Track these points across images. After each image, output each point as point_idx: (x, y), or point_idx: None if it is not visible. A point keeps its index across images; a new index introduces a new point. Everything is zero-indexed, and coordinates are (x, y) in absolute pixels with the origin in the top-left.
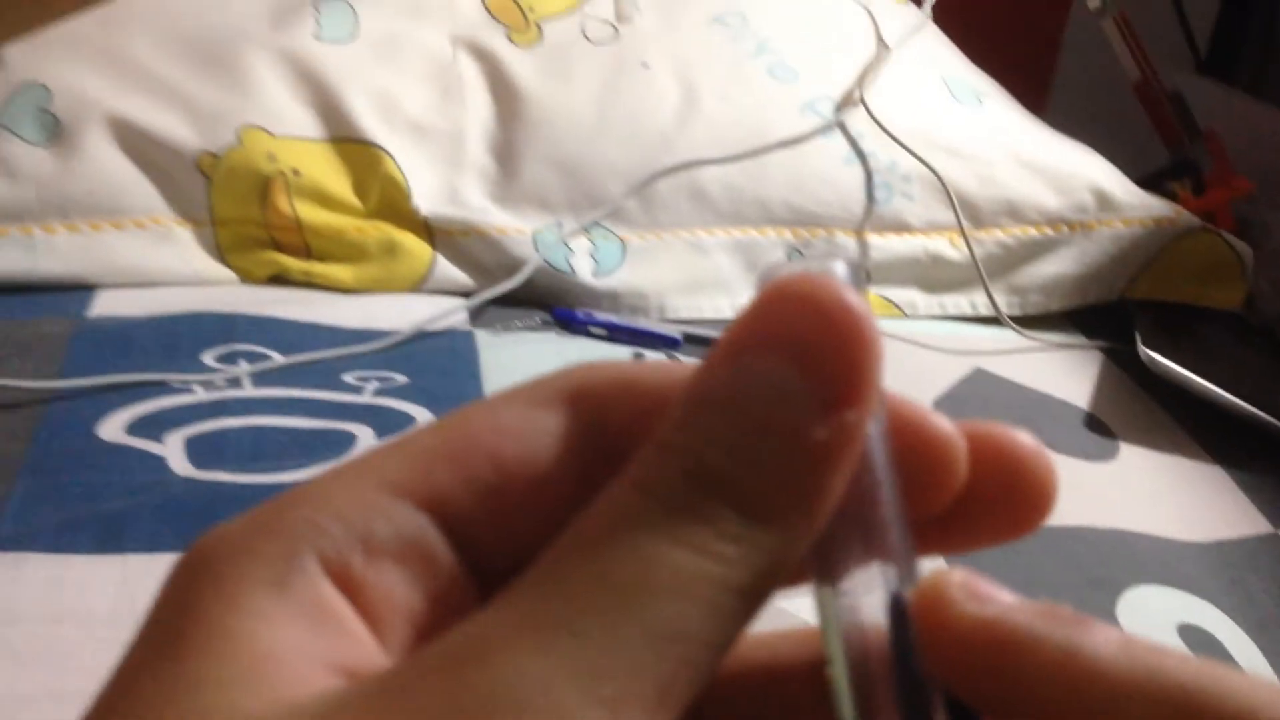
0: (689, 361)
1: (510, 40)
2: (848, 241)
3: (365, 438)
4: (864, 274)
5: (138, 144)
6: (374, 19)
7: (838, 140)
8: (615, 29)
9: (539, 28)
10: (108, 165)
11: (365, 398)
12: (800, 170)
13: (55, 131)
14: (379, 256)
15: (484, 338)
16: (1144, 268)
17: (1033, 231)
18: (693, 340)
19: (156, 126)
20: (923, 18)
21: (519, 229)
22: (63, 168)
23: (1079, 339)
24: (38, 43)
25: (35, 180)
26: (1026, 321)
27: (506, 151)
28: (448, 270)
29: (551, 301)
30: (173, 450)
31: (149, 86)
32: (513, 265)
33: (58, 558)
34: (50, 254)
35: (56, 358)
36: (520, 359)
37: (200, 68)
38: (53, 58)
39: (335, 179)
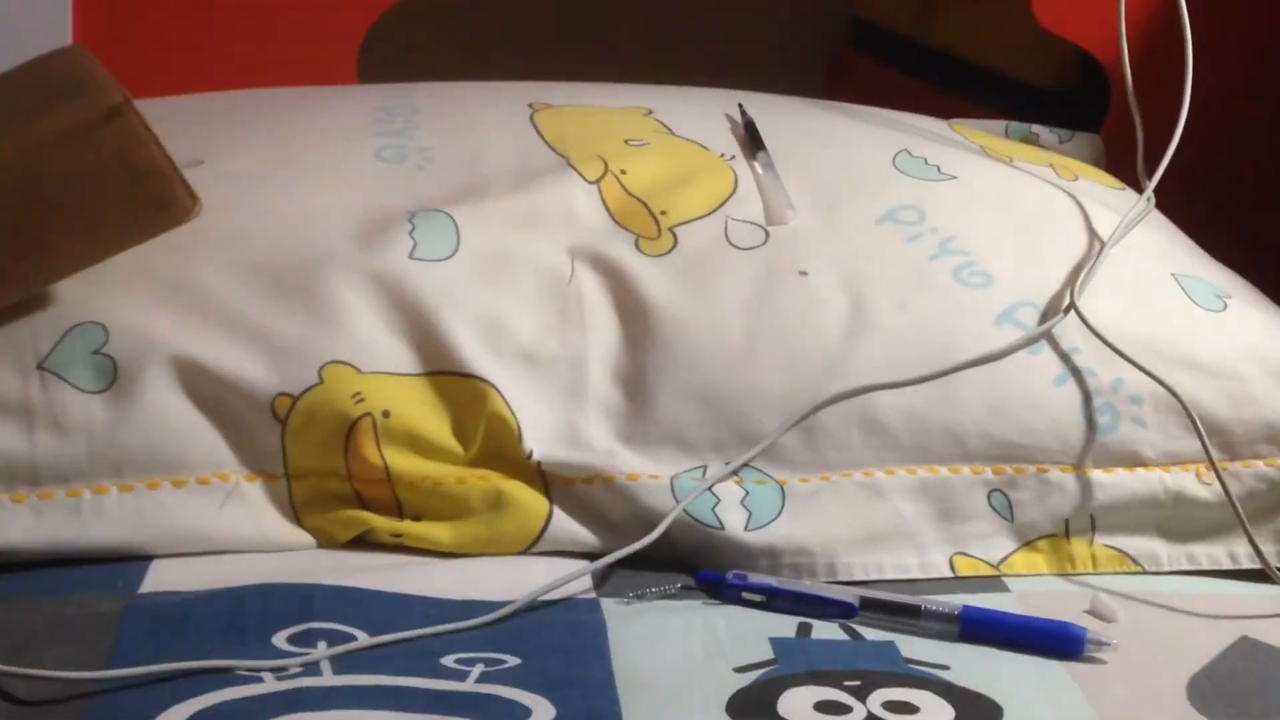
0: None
1: (639, 250)
2: (1064, 479)
3: None
4: None
5: (205, 387)
6: (478, 232)
7: (1046, 356)
8: (765, 232)
9: (673, 234)
10: (170, 414)
11: (469, 685)
12: (1000, 393)
13: (111, 376)
14: (484, 512)
15: (612, 609)
16: None
17: None
18: (871, 606)
19: (226, 366)
20: (1145, 205)
21: (653, 474)
22: (118, 418)
23: None
24: (93, 276)
25: (86, 433)
26: None
27: (637, 382)
28: (567, 526)
29: (695, 562)
30: None
31: (219, 321)
32: (647, 518)
33: None
34: (100, 519)
35: (104, 643)
36: (657, 635)
37: (278, 297)
38: (110, 292)
39: (432, 420)
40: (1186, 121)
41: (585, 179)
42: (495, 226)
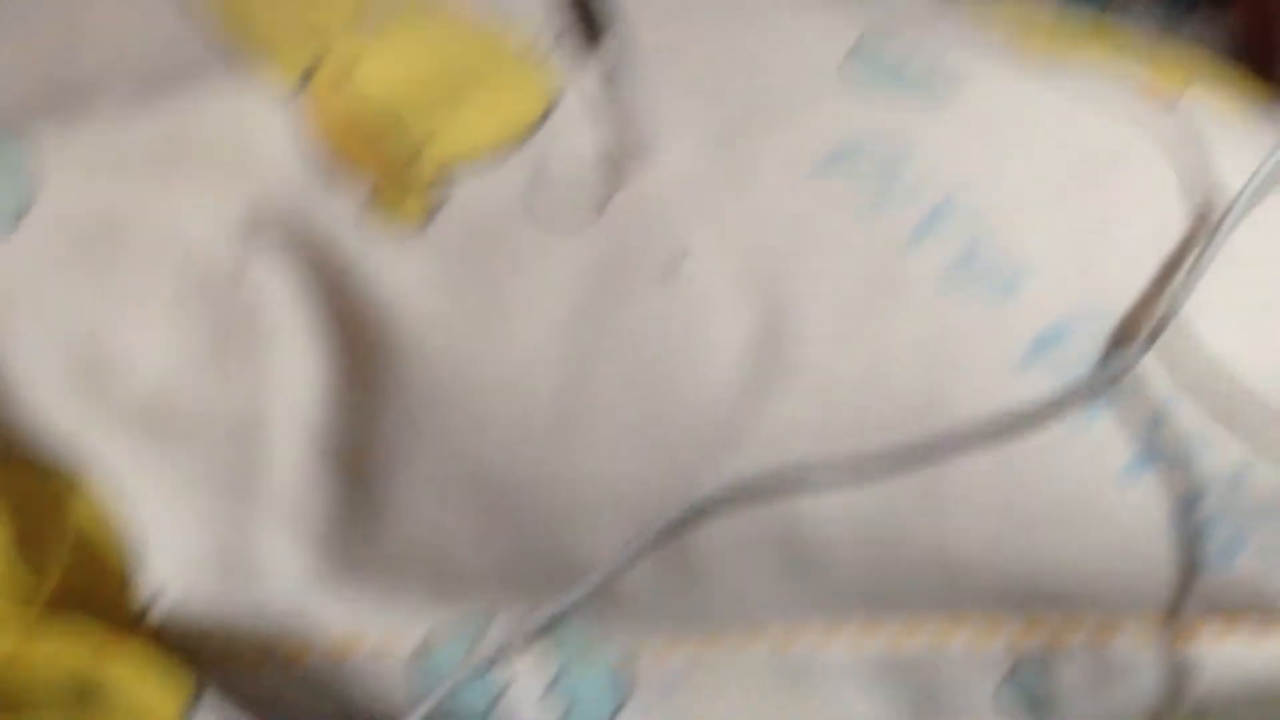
0: None
1: (370, 216)
2: (1139, 653)
3: None
4: None
5: None
6: (65, 180)
7: (1112, 424)
8: (608, 188)
9: (435, 189)
10: None
11: None
12: (1028, 491)
13: None
14: (63, 709)
15: None
16: None
17: None
18: None
19: None
20: None
21: (383, 643)
22: None
23: None
24: None
25: None
26: None
27: (362, 462)
28: None
29: None
30: None
31: None
32: None
33: None
34: None
35: None
36: None
37: None
38: None
39: None
40: None
41: (276, 80)
42: (96, 172)
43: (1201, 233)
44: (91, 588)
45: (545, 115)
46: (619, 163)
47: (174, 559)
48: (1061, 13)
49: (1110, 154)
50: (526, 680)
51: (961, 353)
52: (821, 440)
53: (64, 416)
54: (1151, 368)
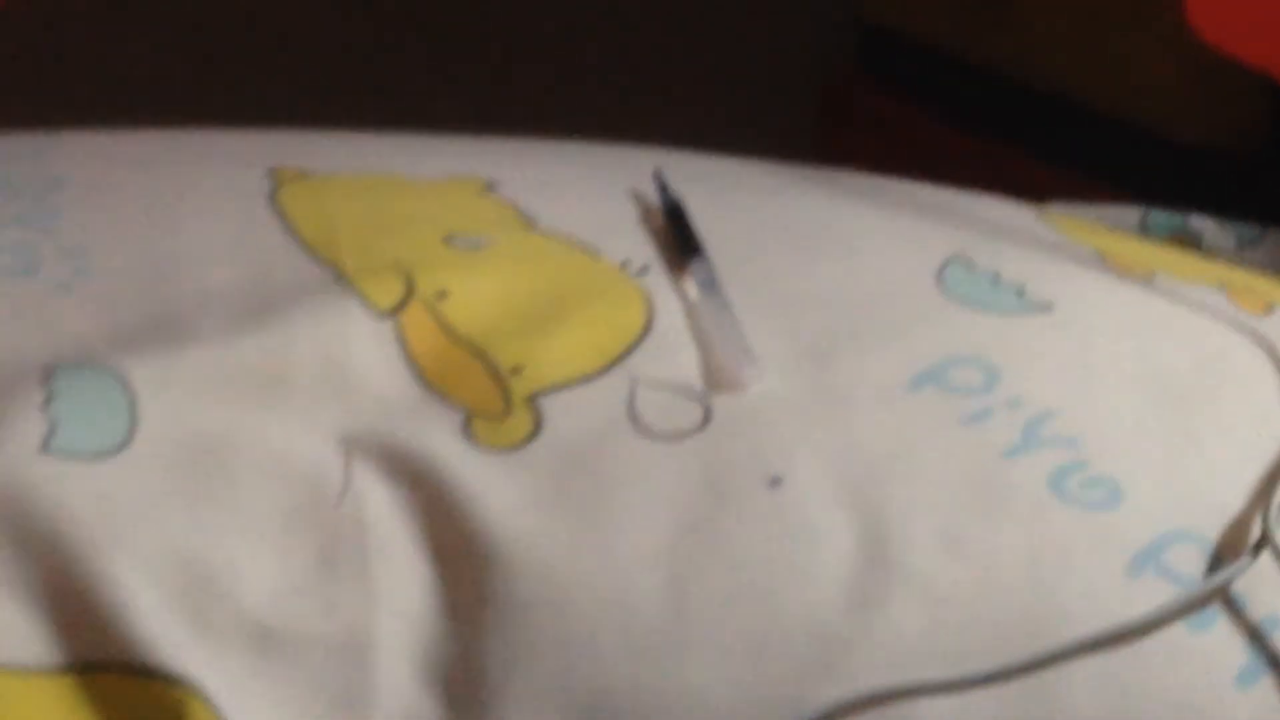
0: None
1: (471, 439)
2: None
3: None
4: None
5: None
6: (169, 404)
7: (1223, 633)
8: (706, 408)
9: (535, 410)
10: None
11: None
12: (1140, 699)
13: None
14: None
15: None
16: None
17: None
18: None
19: None
20: None
21: None
22: None
23: None
24: None
25: None
26: None
27: (469, 681)
28: None
29: None
30: None
31: None
32: None
33: None
34: None
35: None
36: None
37: None
38: None
39: None
40: None
41: (372, 307)
42: (201, 394)
43: None
44: None
45: (643, 333)
46: (717, 378)
47: None
48: (1144, 226)
49: (1206, 365)
50: None
51: (1069, 562)
52: (931, 650)
53: (172, 635)
54: (1257, 578)
